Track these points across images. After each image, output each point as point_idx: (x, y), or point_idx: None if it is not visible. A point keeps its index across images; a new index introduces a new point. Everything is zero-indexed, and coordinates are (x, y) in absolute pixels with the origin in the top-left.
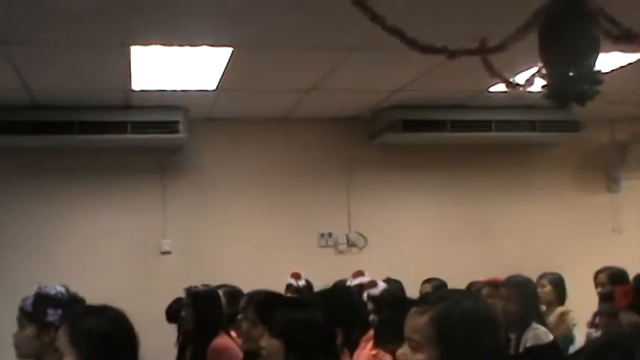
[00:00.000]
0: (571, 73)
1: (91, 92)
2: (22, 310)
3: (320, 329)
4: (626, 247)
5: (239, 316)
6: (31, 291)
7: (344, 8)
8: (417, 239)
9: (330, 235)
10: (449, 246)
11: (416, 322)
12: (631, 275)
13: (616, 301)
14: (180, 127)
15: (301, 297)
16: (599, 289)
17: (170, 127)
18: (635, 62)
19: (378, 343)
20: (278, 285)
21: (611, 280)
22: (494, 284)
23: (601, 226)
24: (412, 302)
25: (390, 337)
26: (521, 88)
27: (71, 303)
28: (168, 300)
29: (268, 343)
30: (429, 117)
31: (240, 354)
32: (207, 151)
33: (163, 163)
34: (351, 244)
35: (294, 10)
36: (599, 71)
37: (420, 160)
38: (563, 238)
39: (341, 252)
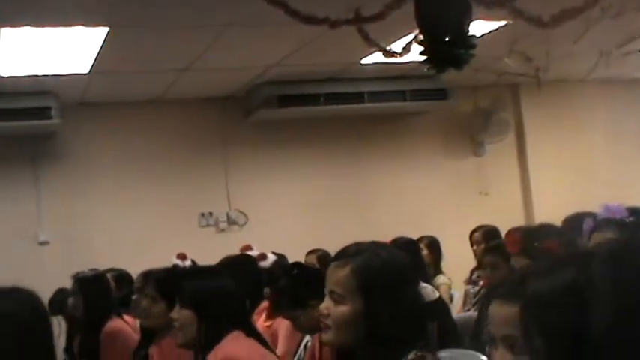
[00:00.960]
0: (447, 39)
1: None
2: None
3: (232, 297)
4: (492, 208)
5: (134, 297)
6: None
7: None
8: (297, 214)
9: (210, 214)
10: (329, 218)
11: (337, 275)
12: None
13: (508, 248)
14: (53, 112)
15: (207, 267)
16: (475, 247)
17: (42, 113)
18: (497, 29)
19: (274, 311)
20: (162, 265)
21: (486, 238)
22: None
23: (469, 189)
24: (304, 267)
25: (286, 304)
26: (398, 56)
27: None
28: (49, 292)
29: (180, 314)
30: (303, 91)
31: (135, 337)
32: (82, 136)
33: (37, 150)
34: (231, 222)
35: None
36: (473, 36)
37: (295, 134)
38: (436, 202)
39: (222, 230)
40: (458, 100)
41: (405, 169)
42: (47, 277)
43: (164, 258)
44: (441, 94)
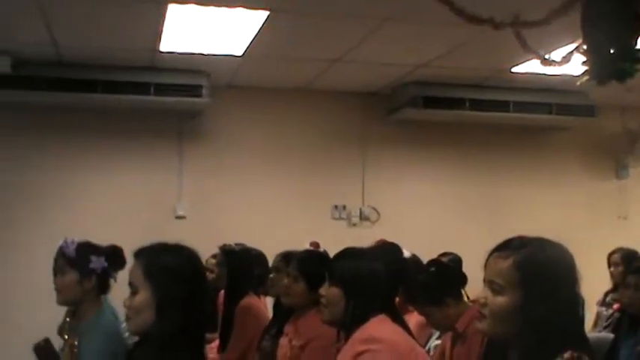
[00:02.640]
0: (612, 51)
1: (118, 51)
2: (65, 256)
3: (382, 280)
4: (630, 234)
5: (271, 276)
6: (51, 243)
7: None
8: (429, 215)
9: (344, 207)
10: (459, 223)
11: (498, 265)
12: None
13: None
14: (204, 91)
15: (360, 248)
16: (612, 269)
17: (194, 91)
18: None
19: (411, 305)
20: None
21: (625, 260)
22: None
23: (607, 211)
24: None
25: (423, 300)
26: (556, 65)
27: (112, 253)
28: None
29: (328, 291)
30: (449, 94)
31: (268, 315)
32: (228, 117)
33: (183, 127)
34: (364, 217)
35: None
36: (639, 50)
37: (436, 137)
38: (570, 221)
39: (354, 225)
40: (605, 119)
41: (544, 183)
42: None
43: (294, 244)
44: (588, 110)
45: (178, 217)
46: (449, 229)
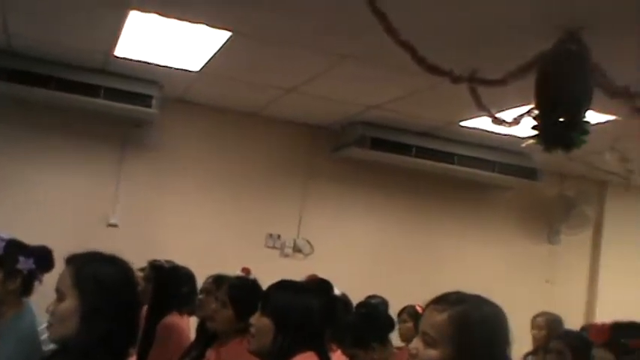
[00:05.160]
0: (561, 119)
1: (72, 49)
2: None
3: (314, 317)
4: (555, 299)
5: (200, 297)
6: None
7: (357, 15)
8: (362, 256)
9: (278, 236)
10: (391, 268)
11: (434, 318)
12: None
13: (592, 338)
14: (154, 102)
15: (297, 282)
16: (535, 332)
17: (144, 100)
18: (605, 123)
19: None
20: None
21: (548, 325)
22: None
23: (535, 274)
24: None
25: (349, 341)
26: (506, 125)
27: (41, 254)
28: None
29: (258, 321)
30: (397, 139)
31: (190, 335)
32: (173, 131)
33: (127, 135)
34: (297, 249)
35: (304, 5)
36: (588, 122)
37: (379, 179)
38: (499, 280)
39: (286, 255)
40: (544, 183)
41: (479, 239)
42: None
43: (225, 267)
44: (530, 173)
45: (110, 225)
46: (380, 273)
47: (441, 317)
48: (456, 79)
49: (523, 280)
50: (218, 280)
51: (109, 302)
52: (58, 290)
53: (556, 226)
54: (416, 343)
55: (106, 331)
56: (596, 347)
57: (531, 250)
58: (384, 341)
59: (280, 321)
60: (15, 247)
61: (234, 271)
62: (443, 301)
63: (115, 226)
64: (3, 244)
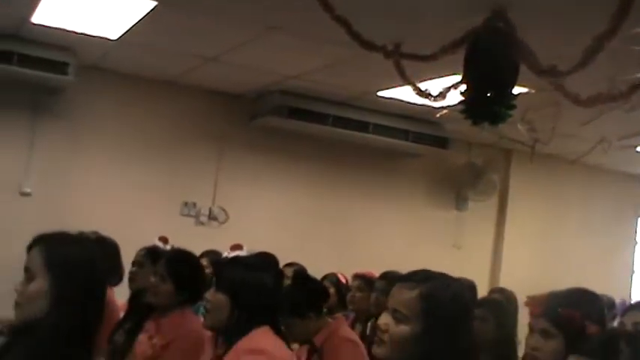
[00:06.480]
0: (489, 94)
1: None
2: None
3: (269, 292)
4: (463, 263)
5: (133, 269)
6: None
7: None
8: (276, 223)
9: (194, 204)
10: (306, 234)
11: (403, 295)
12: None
13: (530, 307)
14: (70, 69)
15: (249, 257)
16: None
17: (59, 67)
18: (518, 94)
19: None
20: (139, 243)
21: None
22: (368, 278)
23: (444, 239)
24: (309, 279)
25: (285, 311)
26: (432, 99)
27: None
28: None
29: (214, 297)
30: (314, 108)
31: (119, 311)
32: (89, 99)
33: (41, 101)
34: (212, 217)
35: None
36: (514, 96)
37: (295, 148)
38: (409, 245)
39: (202, 223)
40: (454, 151)
41: (391, 205)
42: (25, 228)
43: (141, 235)
44: (441, 142)
45: (23, 194)
46: (295, 241)
47: (410, 294)
48: (388, 54)
49: (432, 246)
50: (152, 254)
51: (81, 285)
52: (27, 270)
53: (464, 192)
54: (386, 319)
55: (77, 314)
56: (533, 317)
57: (440, 216)
58: (319, 311)
59: (236, 297)
60: None
61: (152, 241)
62: (410, 279)
63: (28, 194)
64: None
